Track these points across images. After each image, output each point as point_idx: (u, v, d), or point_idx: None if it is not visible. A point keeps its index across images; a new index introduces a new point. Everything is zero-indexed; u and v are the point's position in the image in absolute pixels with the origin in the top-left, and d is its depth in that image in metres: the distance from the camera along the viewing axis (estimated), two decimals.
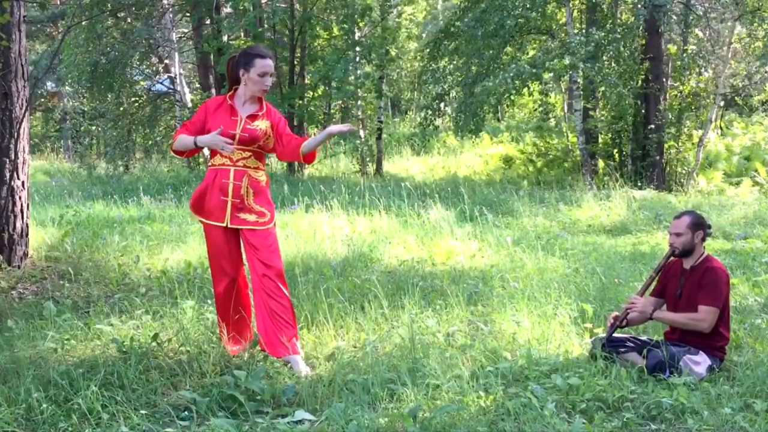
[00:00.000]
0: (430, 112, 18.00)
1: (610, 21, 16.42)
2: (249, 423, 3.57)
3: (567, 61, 13.74)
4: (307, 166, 18.72)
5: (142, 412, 3.65)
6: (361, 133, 20.93)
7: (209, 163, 4.53)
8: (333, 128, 4.45)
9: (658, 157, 15.65)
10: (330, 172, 18.97)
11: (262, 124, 4.45)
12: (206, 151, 20.17)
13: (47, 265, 6.79)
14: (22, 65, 6.54)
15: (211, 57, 18.29)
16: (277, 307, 4.35)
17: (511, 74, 13.85)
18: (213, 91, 18.65)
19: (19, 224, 6.55)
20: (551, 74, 14.53)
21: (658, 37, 15.66)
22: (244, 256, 4.58)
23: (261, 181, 4.49)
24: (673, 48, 16.74)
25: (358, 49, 17.94)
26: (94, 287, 6.19)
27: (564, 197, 12.57)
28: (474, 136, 18.60)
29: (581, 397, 3.82)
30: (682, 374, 4.10)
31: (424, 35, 27.15)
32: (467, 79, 16.05)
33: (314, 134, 4.91)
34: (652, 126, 15.51)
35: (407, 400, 3.81)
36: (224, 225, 4.43)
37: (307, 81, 18.18)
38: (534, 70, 13.95)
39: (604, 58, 14.78)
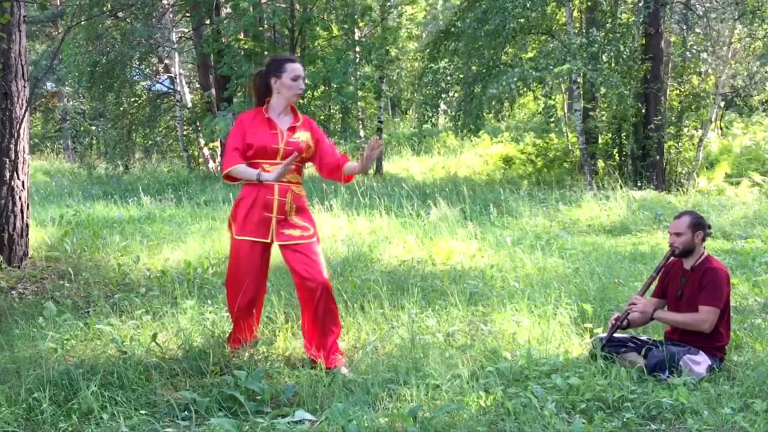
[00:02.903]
0: (428, 108, 18.00)
1: (610, 20, 16.43)
2: (249, 423, 3.57)
3: (568, 66, 13.73)
4: (306, 166, 18.72)
5: (142, 412, 3.65)
6: (361, 133, 20.94)
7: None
8: (370, 156, 4.33)
9: (658, 157, 15.66)
10: None
11: (302, 136, 4.38)
12: (206, 151, 19.85)
13: (47, 265, 6.79)
14: (22, 65, 6.54)
15: (211, 57, 18.30)
16: (327, 320, 4.32)
17: (515, 78, 13.85)
18: (213, 91, 18.65)
19: (18, 224, 6.55)
20: (553, 77, 14.51)
21: (658, 37, 15.67)
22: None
23: (303, 196, 4.44)
24: (676, 39, 16.73)
25: (358, 49, 17.94)
26: (94, 287, 6.19)
27: (564, 197, 12.57)
28: (474, 136, 18.62)
29: (581, 397, 3.82)
30: (682, 374, 4.10)
31: (424, 35, 27.16)
32: (467, 78, 16.06)
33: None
34: (652, 126, 15.52)
35: (407, 400, 3.81)
36: (268, 241, 4.36)
37: (307, 81, 18.17)
38: (537, 73, 13.95)
39: (604, 58, 14.78)
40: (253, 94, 4.54)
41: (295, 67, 4.35)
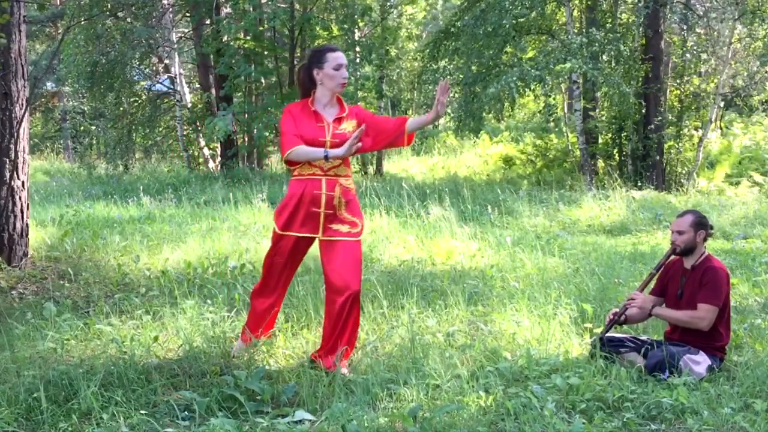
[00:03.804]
0: (429, 108, 17.99)
1: (610, 20, 16.44)
2: (249, 423, 3.57)
3: (569, 65, 13.74)
4: None
5: (142, 412, 3.65)
6: None
7: (295, 173, 4.33)
8: (442, 101, 4.17)
9: (658, 157, 15.66)
10: None
11: (349, 126, 4.30)
12: (206, 151, 19.76)
13: (47, 265, 6.79)
14: (22, 65, 6.54)
15: (211, 57, 18.30)
16: (346, 327, 4.25)
17: (515, 77, 13.85)
18: (213, 91, 18.65)
19: (19, 224, 6.55)
20: (553, 76, 14.51)
21: (658, 37, 15.67)
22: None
23: (351, 189, 4.35)
24: (676, 39, 16.73)
25: (358, 49, 17.94)
26: (94, 287, 6.19)
27: (564, 197, 12.58)
28: (474, 136, 18.62)
29: (581, 397, 3.82)
30: (682, 374, 4.10)
31: (424, 35, 27.15)
32: (467, 79, 16.07)
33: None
34: (652, 126, 15.52)
35: (407, 400, 3.81)
36: (318, 236, 4.28)
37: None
38: (537, 73, 13.95)
39: (605, 57, 14.79)
40: (297, 89, 4.46)
41: (337, 56, 4.26)
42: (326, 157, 4.17)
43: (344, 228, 4.29)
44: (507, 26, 14.47)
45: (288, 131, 4.23)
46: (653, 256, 7.71)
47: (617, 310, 4.59)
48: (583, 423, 3.50)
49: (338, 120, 4.31)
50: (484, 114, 16.11)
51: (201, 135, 19.37)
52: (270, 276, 4.42)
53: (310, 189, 4.24)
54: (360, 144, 4.18)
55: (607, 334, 4.53)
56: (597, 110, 17.05)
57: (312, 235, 4.30)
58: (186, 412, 3.69)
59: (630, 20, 16.02)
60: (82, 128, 26.43)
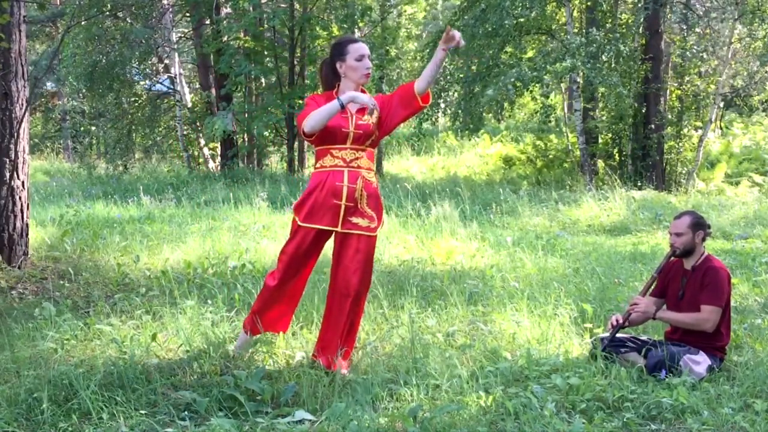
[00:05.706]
0: (429, 107, 17.99)
1: (610, 20, 16.44)
2: (249, 423, 3.57)
3: (568, 63, 13.74)
4: (307, 166, 18.72)
5: (142, 412, 3.65)
6: None
7: (317, 166, 4.28)
8: (442, 48, 4.06)
9: (658, 157, 15.67)
10: None
11: (372, 117, 4.24)
12: (206, 151, 19.80)
13: (47, 265, 6.79)
14: (22, 65, 6.54)
15: (211, 57, 18.31)
16: (340, 325, 4.24)
17: (512, 78, 13.84)
18: (213, 91, 18.66)
19: (18, 224, 6.55)
20: (552, 76, 14.52)
21: (658, 37, 15.68)
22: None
23: (373, 183, 4.29)
24: (678, 39, 16.75)
25: None
26: (94, 287, 6.19)
27: (564, 197, 12.58)
28: (473, 136, 18.63)
29: (581, 397, 3.82)
30: (682, 374, 4.10)
31: (424, 35, 27.16)
32: (467, 78, 16.08)
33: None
34: (652, 126, 15.53)
35: (407, 400, 3.81)
36: (337, 230, 4.22)
37: (307, 81, 18.20)
38: (535, 74, 13.95)
39: (604, 58, 14.81)
40: (320, 83, 4.41)
41: (358, 47, 4.21)
42: (342, 106, 4.06)
43: (363, 222, 4.23)
44: (508, 26, 14.48)
45: (311, 109, 4.16)
46: (653, 256, 7.71)
47: (619, 315, 4.58)
48: (583, 423, 3.50)
49: (362, 110, 4.25)
50: (483, 114, 16.13)
51: (201, 135, 19.38)
52: (288, 269, 4.34)
53: (332, 180, 4.18)
54: (375, 113, 4.13)
55: (608, 334, 4.54)
56: (597, 110, 17.06)
57: (331, 228, 4.24)
58: (186, 412, 3.69)
59: (630, 20, 16.02)
60: (82, 128, 26.43)
